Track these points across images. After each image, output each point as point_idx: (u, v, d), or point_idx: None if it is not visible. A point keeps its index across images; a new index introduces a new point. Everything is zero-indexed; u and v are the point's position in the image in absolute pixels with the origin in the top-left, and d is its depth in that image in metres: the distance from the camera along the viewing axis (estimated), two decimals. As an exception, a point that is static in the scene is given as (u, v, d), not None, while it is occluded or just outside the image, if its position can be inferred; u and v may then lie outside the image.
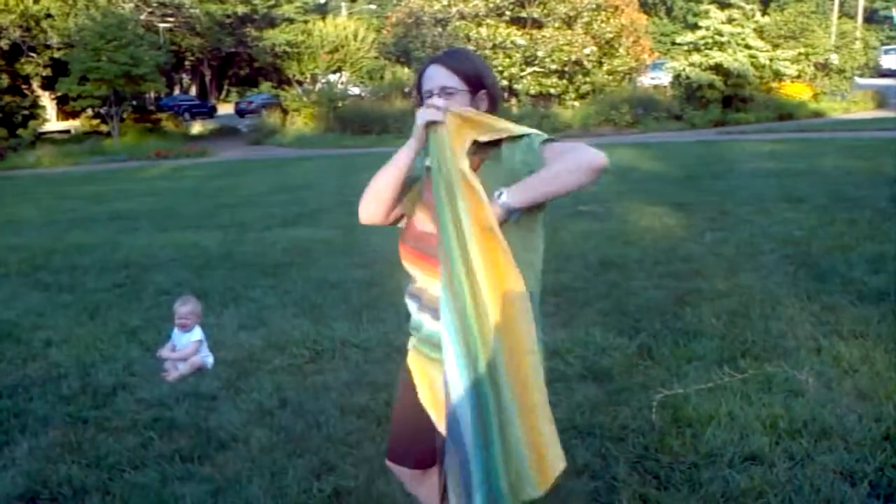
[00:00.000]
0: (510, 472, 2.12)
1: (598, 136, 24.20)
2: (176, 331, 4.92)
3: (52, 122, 35.19)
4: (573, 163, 2.05)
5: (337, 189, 13.65)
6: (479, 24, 27.75)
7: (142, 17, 33.23)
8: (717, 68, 26.19)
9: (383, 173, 2.23)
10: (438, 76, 2.22)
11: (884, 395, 3.78)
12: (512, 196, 2.05)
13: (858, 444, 3.34)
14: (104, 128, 30.98)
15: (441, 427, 2.23)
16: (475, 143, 2.15)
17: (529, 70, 27.37)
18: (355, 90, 33.97)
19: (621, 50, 28.37)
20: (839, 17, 35.34)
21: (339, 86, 32.71)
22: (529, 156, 2.11)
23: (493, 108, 2.27)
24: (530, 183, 2.05)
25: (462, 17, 28.19)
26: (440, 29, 28.35)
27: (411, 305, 2.32)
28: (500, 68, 27.08)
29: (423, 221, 2.26)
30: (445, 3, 28.32)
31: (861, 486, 3.04)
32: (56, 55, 30.10)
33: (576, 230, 8.46)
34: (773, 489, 3.05)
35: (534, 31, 27.49)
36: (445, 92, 2.20)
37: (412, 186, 2.30)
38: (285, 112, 31.67)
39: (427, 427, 2.35)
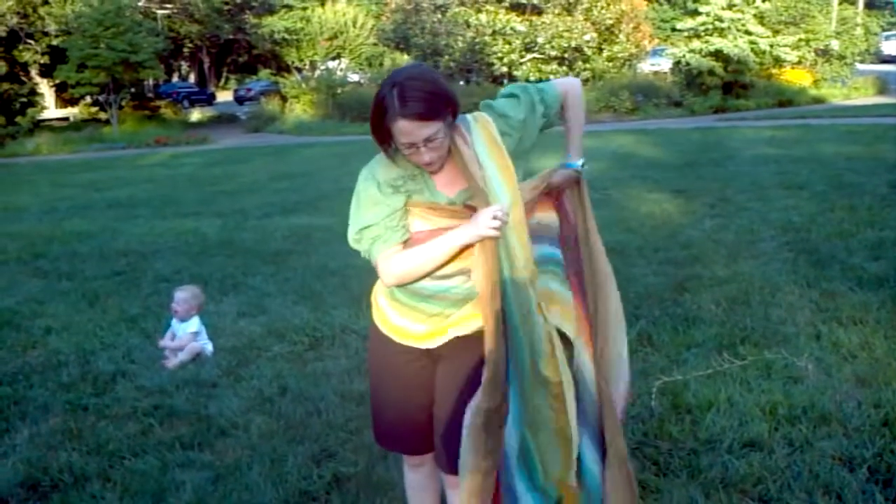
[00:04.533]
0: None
1: (597, 123, 24.15)
2: (175, 319, 4.93)
3: (51, 109, 35.10)
4: (578, 98, 2.45)
5: (336, 176, 13.61)
6: (479, 11, 27.64)
7: (140, 3, 33.08)
8: (718, 54, 26.09)
9: (431, 258, 2.17)
10: (417, 130, 2.07)
11: (883, 381, 3.78)
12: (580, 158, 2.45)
13: (857, 430, 3.34)
14: (103, 115, 30.91)
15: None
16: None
17: (529, 56, 27.29)
18: (354, 77, 33.86)
19: (621, 36, 28.27)
20: (840, 3, 35.12)
21: (339, 73, 32.61)
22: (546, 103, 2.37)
23: (456, 112, 2.18)
24: (577, 137, 2.46)
25: (461, 3, 28.08)
26: (439, 15, 28.25)
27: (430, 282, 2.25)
28: (499, 55, 27.02)
29: (429, 222, 2.24)
30: (445, -12, 28.24)
31: (860, 471, 3.05)
32: (54, 42, 29.97)
33: (575, 217, 8.44)
34: (772, 475, 3.05)
35: (533, 18, 27.38)
36: (429, 141, 2.09)
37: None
38: (284, 99, 31.55)
39: (420, 410, 2.41)
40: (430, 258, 2.17)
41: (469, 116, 2.26)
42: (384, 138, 2.14)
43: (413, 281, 2.21)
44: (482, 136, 2.22)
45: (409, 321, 2.33)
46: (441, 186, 2.23)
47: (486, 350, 2.21)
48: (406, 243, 2.23)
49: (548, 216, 2.43)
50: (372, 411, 2.57)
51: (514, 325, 2.23)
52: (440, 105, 2.09)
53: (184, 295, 4.92)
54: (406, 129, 2.07)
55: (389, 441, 2.56)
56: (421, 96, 2.06)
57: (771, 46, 26.95)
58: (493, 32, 27.06)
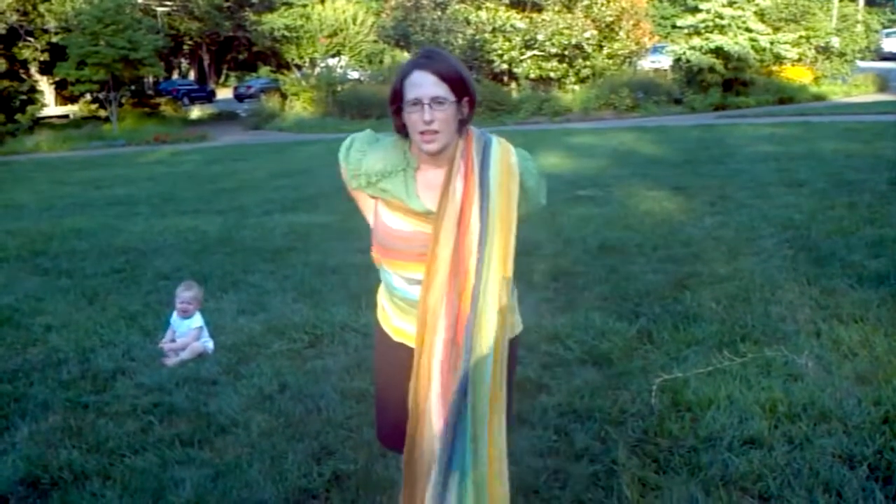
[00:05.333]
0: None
1: (598, 120, 24.16)
2: (175, 316, 4.93)
3: (51, 106, 35.05)
4: None
5: (336, 174, 13.55)
6: (479, 8, 27.58)
7: (139, 0, 33.03)
8: (718, 52, 26.06)
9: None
10: (427, 84, 2.11)
11: (883, 379, 3.78)
12: None
13: (857, 428, 3.34)
14: (103, 113, 30.87)
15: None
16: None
17: (529, 54, 27.24)
18: (354, 74, 33.78)
19: (621, 33, 28.21)
20: (840, 0, 35.10)
21: (338, 70, 32.56)
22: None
23: (472, 112, 2.20)
24: None
25: (461, 0, 28.04)
26: (440, 12, 28.19)
27: (410, 288, 2.31)
28: (499, 52, 26.97)
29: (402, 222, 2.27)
30: (445, -15, 28.18)
31: (860, 469, 3.05)
32: (54, 39, 29.93)
33: (575, 214, 8.45)
34: (772, 472, 3.05)
35: (533, 15, 27.33)
36: (436, 102, 2.10)
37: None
38: (284, 96, 31.51)
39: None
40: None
41: (493, 136, 2.27)
42: (393, 102, 2.17)
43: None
44: (499, 158, 2.22)
45: (405, 323, 2.35)
46: (421, 191, 2.23)
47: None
48: (387, 238, 2.29)
49: None
50: (375, 409, 2.59)
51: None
52: (458, 82, 2.13)
53: (192, 293, 4.93)
54: (417, 80, 2.11)
55: (390, 440, 2.55)
56: (444, 61, 2.15)
57: (771, 43, 26.91)
58: (493, 30, 27.01)
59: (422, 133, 2.14)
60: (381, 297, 2.46)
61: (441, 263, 2.18)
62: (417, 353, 2.24)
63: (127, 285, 6.57)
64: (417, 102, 2.11)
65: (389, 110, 2.22)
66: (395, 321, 2.39)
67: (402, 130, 2.23)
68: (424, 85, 2.10)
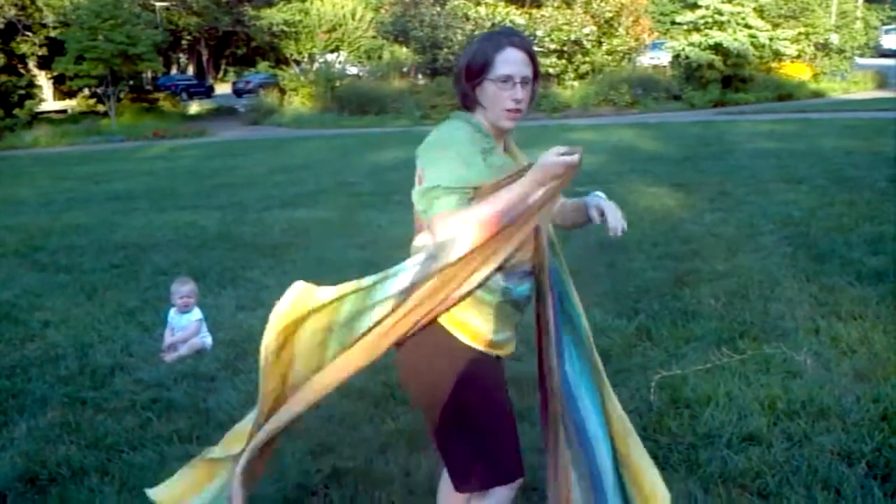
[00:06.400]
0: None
1: (596, 116, 24.14)
2: (173, 312, 4.91)
3: (49, 101, 35.02)
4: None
5: (335, 169, 13.60)
6: (478, 3, 27.59)
7: (138, -5, 33.00)
8: (717, 48, 26.07)
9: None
10: (520, 63, 2.12)
11: (882, 376, 3.78)
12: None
13: (856, 425, 3.34)
14: (101, 108, 30.82)
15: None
16: None
17: (528, 50, 27.24)
18: (353, 70, 33.79)
19: (621, 29, 28.22)
20: (840, -3, 35.08)
21: (337, 65, 32.54)
22: None
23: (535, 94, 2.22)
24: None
25: (461, -5, 28.04)
26: (439, 8, 28.17)
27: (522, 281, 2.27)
28: (498, 48, 26.95)
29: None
30: (444, -19, 28.18)
31: (858, 466, 3.05)
32: (52, 34, 29.92)
33: (574, 211, 8.44)
34: (771, 469, 3.05)
35: (533, 11, 27.33)
36: (524, 82, 2.12)
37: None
38: (283, 92, 31.50)
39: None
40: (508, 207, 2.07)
41: None
42: (478, 73, 2.12)
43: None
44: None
45: (506, 332, 2.24)
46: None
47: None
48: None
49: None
50: (495, 446, 2.23)
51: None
52: (537, 64, 2.19)
53: (189, 286, 4.92)
54: (513, 58, 2.11)
55: (520, 466, 2.27)
56: (529, 42, 2.21)
57: (770, 40, 26.91)
58: (492, 25, 26.97)
59: (509, 110, 2.14)
60: (470, 317, 2.18)
61: (543, 232, 2.34)
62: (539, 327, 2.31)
63: (125, 281, 6.56)
64: (509, 80, 2.11)
65: (464, 83, 2.15)
66: (495, 336, 2.21)
67: (469, 103, 2.18)
68: (518, 63, 2.12)
